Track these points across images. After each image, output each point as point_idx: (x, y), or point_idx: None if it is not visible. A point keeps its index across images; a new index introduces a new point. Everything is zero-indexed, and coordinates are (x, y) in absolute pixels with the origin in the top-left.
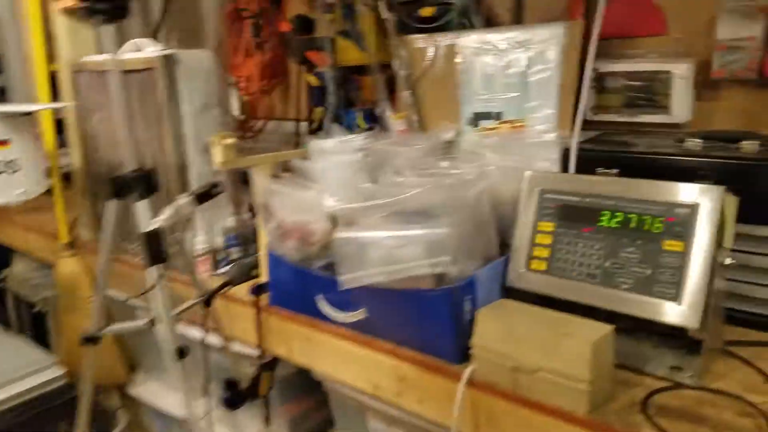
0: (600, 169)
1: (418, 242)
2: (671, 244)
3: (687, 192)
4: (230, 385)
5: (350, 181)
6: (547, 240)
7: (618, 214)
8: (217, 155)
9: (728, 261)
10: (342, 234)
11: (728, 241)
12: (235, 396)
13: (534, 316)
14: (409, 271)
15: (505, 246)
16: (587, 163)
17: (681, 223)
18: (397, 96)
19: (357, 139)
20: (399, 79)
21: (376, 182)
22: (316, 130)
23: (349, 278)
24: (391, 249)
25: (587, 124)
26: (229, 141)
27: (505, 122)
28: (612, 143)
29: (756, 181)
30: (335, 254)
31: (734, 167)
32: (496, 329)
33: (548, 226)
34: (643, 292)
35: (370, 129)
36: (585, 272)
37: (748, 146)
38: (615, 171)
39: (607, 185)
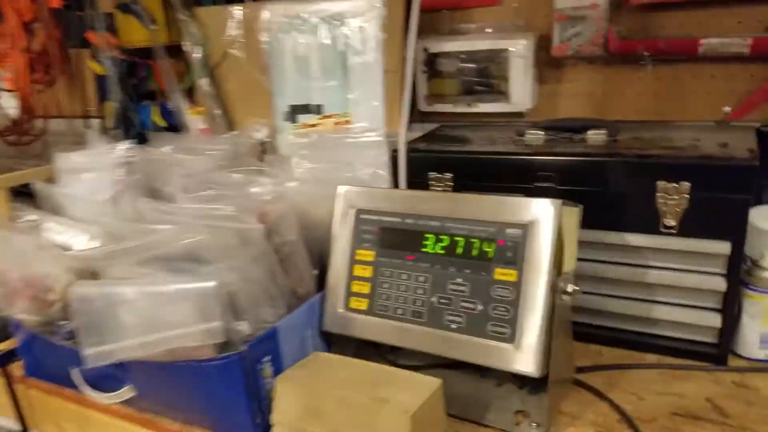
0: (433, 174)
1: (183, 299)
2: (503, 273)
3: (517, 208)
4: None
5: (107, 211)
6: (368, 272)
7: (443, 237)
8: None
9: (570, 288)
10: (79, 290)
11: (569, 263)
12: None
13: (349, 374)
14: (174, 343)
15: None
16: (420, 167)
17: (512, 248)
18: (195, 86)
19: (118, 150)
20: (193, 64)
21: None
22: (116, 128)
23: (93, 354)
24: (148, 310)
25: (424, 117)
26: None
27: (327, 117)
28: (447, 140)
29: (602, 179)
30: (74, 319)
31: (578, 164)
32: (300, 401)
33: (368, 254)
34: (475, 333)
35: (171, 128)
36: (410, 310)
37: (594, 137)
38: (448, 176)
39: (431, 202)
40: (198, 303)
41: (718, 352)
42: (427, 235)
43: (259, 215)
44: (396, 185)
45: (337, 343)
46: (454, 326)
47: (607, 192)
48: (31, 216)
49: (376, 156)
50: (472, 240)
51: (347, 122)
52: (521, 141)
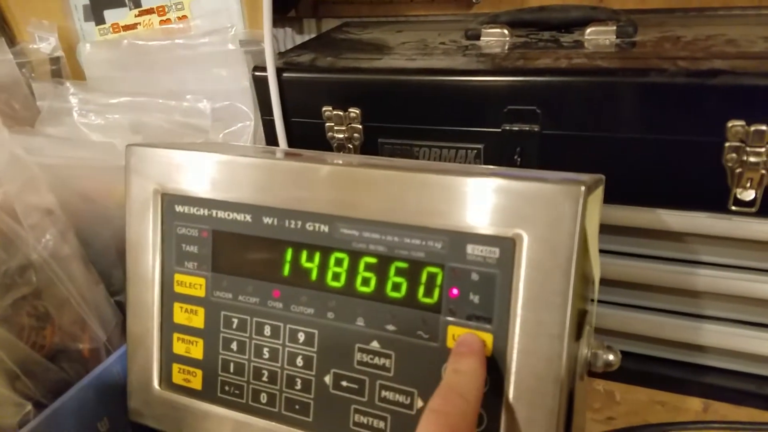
0: (328, 110)
1: None
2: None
3: (491, 199)
4: None
5: None
6: (197, 318)
7: (341, 256)
8: None
9: (605, 359)
10: None
11: (595, 293)
12: None
13: None
14: None
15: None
16: (307, 98)
17: (482, 285)
18: None
19: None
20: None
21: None
22: None
23: None
24: None
25: (319, 10)
26: None
27: (148, 11)
28: (350, 50)
29: (621, 117)
30: None
31: (578, 90)
32: None
33: (194, 283)
34: None
35: None
36: (284, 398)
37: (597, 38)
38: (354, 113)
39: (314, 181)
40: None
41: None
42: (307, 252)
43: None
44: (273, 132)
45: None
46: None
47: (632, 140)
48: None
49: (228, 78)
50: (398, 264)
51: (182, 19)
52: (475, 48)
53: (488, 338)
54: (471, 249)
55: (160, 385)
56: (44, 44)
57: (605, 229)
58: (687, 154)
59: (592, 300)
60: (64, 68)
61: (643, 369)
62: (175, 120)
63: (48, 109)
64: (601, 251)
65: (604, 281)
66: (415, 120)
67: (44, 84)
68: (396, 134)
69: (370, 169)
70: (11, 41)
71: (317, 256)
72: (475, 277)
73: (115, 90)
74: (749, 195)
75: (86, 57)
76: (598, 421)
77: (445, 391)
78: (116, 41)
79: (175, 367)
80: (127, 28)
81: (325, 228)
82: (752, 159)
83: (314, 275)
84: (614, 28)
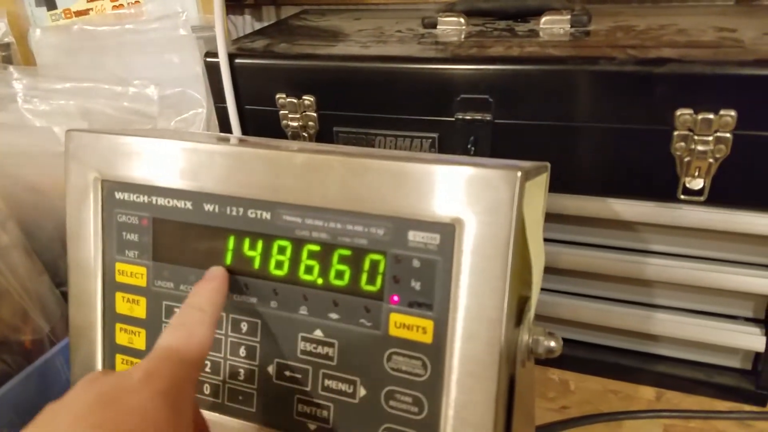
0: (282, 97)
1: None
2: (406, 325)
3: (432, 185)
4: None
5: None
6: (139, 308)
7: (283, 243)
8: None
9: (546, 346)
10: None
11: (535, 287)
12: None
13: None
14: None
15: None
16: (261, 85)
17: (423, 271)
18: None
19: None
20: None
21: None
22: None
23: None
24: None
25: None
26: None
27: None
28: (305, 37)
29: (574, 105)
30: None
31: (531, 78)
32: None
33: (135, 272)
34: None
35: None
36: (228, 389)
37: (552, 27)
38: (308, 101)
39: (256, 167)
40: None
41: (756, 387)
42: (250, 239)
43: None
44: (226, 119)
45: None
46: (312, 426)
47: (583, 129)
48: None
49: (180, 64)
50: (341, 252)
51: (134, 5)
52: (431, 37)
53: (429, 325)
54: (412, 235)
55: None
56: None
57: (555, 218)
58: (636, 143)
59: (531, 286)
60: (15, 55)
61: (596, 358)
62: (123, 107)
63: None
64: (552, 240)
65: (554, 270)
66: (370, 108)
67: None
68: (351, 123)
69: (312, 155)
70: None
71: (259, 244)
72: (416, 263)
73: (62, 75)
74: (698, 184)
75: (36, 43)
76: (552, 410)
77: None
78: (67, 27)
79: (119, 357)
80: (79, 13)
81: (267, 215)
82: (700, 147)
83: (257, 263)
84: (569, 17)
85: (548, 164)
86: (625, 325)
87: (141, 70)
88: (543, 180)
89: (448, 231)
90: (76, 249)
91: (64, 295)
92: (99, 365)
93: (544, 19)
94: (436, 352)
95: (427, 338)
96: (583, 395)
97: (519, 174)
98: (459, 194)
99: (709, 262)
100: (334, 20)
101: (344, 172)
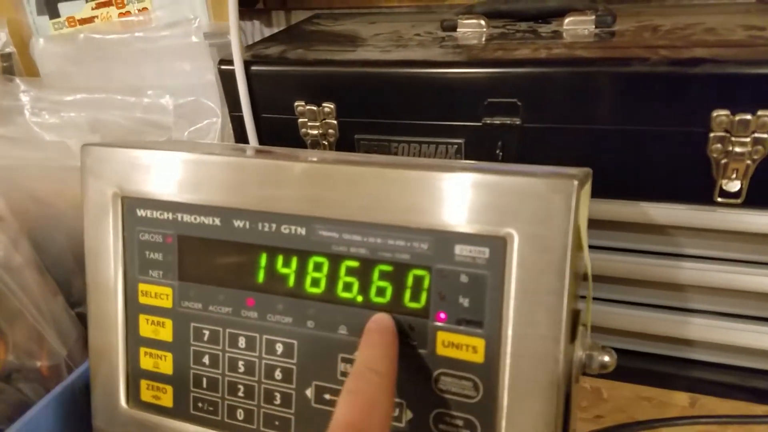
0: (300, 104)
1: None
2: (455, 344)
3: (480, 196)
4: None
5: None
6: (164, 331)
7: (319, 260)
8: None
9: (601, 361)
10: None
11: (589, 303)
12: None
13: None
14: None
15: None
16: (278, 92)
17: (472, 287)
18: None
19: None
20: None
21: None
22: None
23: None
24: None
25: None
26: None
27: (105, 4)
28: (322, 41)
29: (603, 108)
30: None
31: (558, 81)
32: None
33: (160, 293)
34: None
35: None
36: (262, 414)
37: (575, 28)
38: (328, 108)
39: (289, 179)
40: None
41: None
42: (283, 256)
43: None
44: (242, 128)
45: None
46: None
47: (615, 131)
48: None
49: (192, 72)
50: (382, 267)
51: (142, 12)
52: (451, 40)
53: (480, 343)
54: (459, 249)
55: (127, 403)
56: None
57: (588, 223)
58: (671, 146)
59: (584, 298)
60: (17, 65)
61: (628, 365)
62: (135, 117)
63: None
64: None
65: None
66: (392, 115)
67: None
68: (373, 130)
69: (349, 166)
70: None
71: (294, 261)
72: (464, 278)
73: (71, 86)
74: (735, 186)
75: (39, 53)
76: (587, 420)
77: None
78: (72, 35)
79: (144, 383)
80: (83, 21)
81: (301, 230)
82: (737, 149)
83: (291, 281)
84: (593, 17)
85: (591, 170)
86: (658, 331)
87: (151, 78)
88: (589, 187)
89: (499, 244)
90: (95, 268)
91: (80, 316)
92: (122, 391)
93: (567, 20)
94: (488, 372)
95: (478, 358)
96: (616, 403)
97: (575, 183)
98: (509, 205)
99: (745, 265)
100: (348, 24)
101: (383, 184)
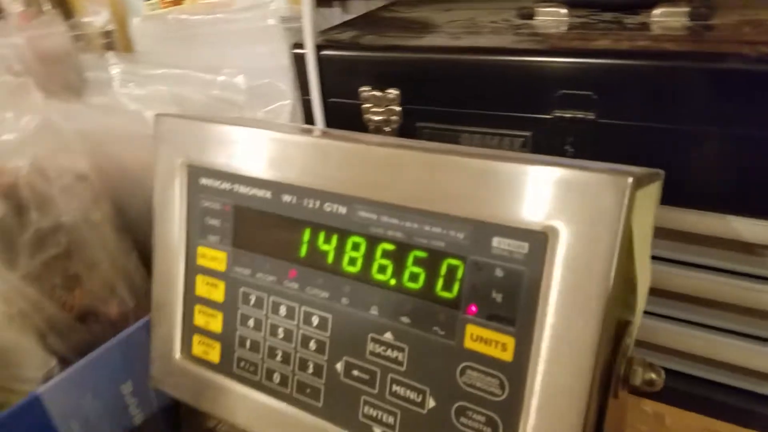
0: (366, 90)
1: None
2: (484, 339)
3: (523, 188)
4: None
5: None
6: (217, 291)
7: (358, 240)
8: None
9: (643, 378)
10: None
11: (640, 305)
12: None
13: None
14: None
15: None
16: (345, 76)
17: (506, 283)
18: None
19: None
20: None
21: None
22: None
23: None
24: None
25: None
26: None
27: None
28: (394, 28)
29: (689, 107)
30: None
31: (641, 75)
32: None
33: (215, 257)
34: None
35: None
36: (296, 380)
37: (666, 20)
38: (392, 94)
39: (336, 161)
40: None
41: None
42: (325, 233)
43: None
44: (311, 113)
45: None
46: (377, 430)
47: (701, 133)
48: None
49: (268, 55)
50: (416, 253)
51: None
52: (527, 28)
53: (510, 341)
54: (497, 242)
55: (180, 355)
56: (97, 18)
57: (664, 233)
58: (765, 152)
59: (634, 310)
60: (116, 41)
61: (697, 393)
62: (213, 94)
63: (93, 80)
64: (658, 258)
65: (659, 292)
66: (457, 103)
67: (89, 56)
68: (436, 118)
69: (392, 149)
70: (67, 15)
71: (334, 239)
72: (499, 273)
73: (156, 62)
74: None
75: (134, 31)
76: None
77: None
78: (162, 15)
79: (196, 338)
80: (174, 2)
81: (342, 209)
82: None
83: (331, 258)
84: (687, 9)
85: (662, 172)
86: (734, 360)
87: (230, 59)
88: (655, 189)
89: (539, 240)
90: (161, 230)
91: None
92: (177, 343)
93: (657, 11)
94: (516, 372)
95: (507, 356)
96: None
97: (630, 180)
98: (554, 199)
99: None
100: (425, 11)
101: (424, 168)
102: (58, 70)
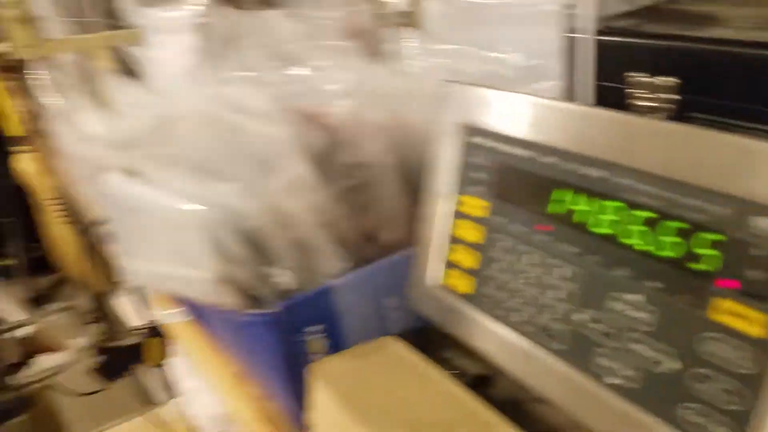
0: (638, 77)
1: (184, 223)
2: (735, 314)
3: None
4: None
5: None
6: (475, 234)
7: (612, 205)
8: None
9: None
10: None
11: None
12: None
13: (415, 395)
14: (188, 282)
15: None
16: (618, 63)
17: (761, 265)
18: None
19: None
20: None
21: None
22: None
23: (129, 269)
24: (168, 223)
25: None
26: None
27: None
28: (676, 19)
29: None
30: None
31: None
32: (336, 409)
33: (477, 206)
34: (653, 409)
35: None
36: (540, 322)
37: None
38: (669, 83)
39: (599, 129)
40: (201, 232)
41: None
42: (580, 196)
43: (314, 118)
44: (579, 95)
45: (424, 333)
46: (613, 380)
47: None
48: None
49: (542, 38)
50: (675, 224)
51: None
52: None
53: (763, 319)
54: (761, 221)
55: (436, 283)
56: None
57: None
58: None
59: None
60: (410, 19)
61: None
62: (487, 69)
63: (390, 51)
64: None
65: None
66: (736, 97)
67: (387, 31)
68: (711, 110)
69: (656, 120)
70: None
71: (589, 200)
72: (757, 251)
73: (441, 39)
74: None
75: (427, 11)
76: None
77: None
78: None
79: (451, 272)
80: None
81: (600, 174)
82: None
83: (584, 217)
84: None
85: None
86: None
87: (506, 39)
88: None
89: None
90: (433, 178)
91: None
92: (435, 273)
93: None
94: (765, 349)
95: (758, 332)
96: None
97: None
98: None
99: None
100: (713, 6)
101: (690, 141)
102: (365, 41)
